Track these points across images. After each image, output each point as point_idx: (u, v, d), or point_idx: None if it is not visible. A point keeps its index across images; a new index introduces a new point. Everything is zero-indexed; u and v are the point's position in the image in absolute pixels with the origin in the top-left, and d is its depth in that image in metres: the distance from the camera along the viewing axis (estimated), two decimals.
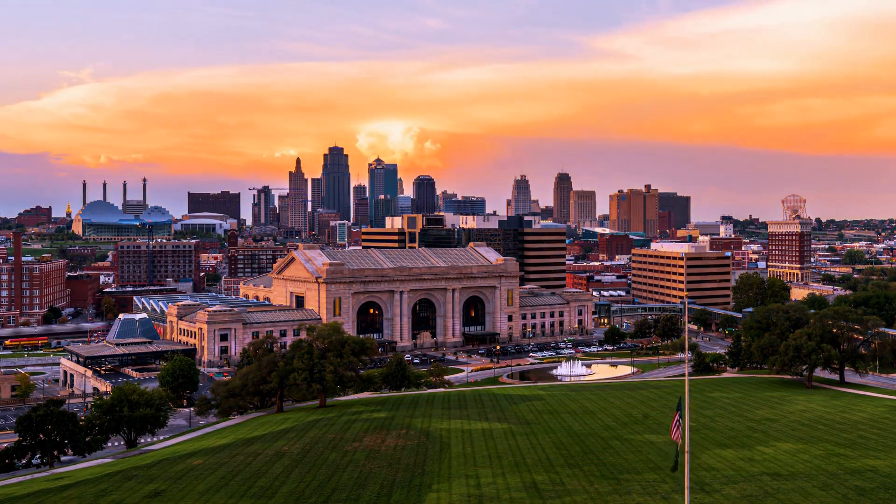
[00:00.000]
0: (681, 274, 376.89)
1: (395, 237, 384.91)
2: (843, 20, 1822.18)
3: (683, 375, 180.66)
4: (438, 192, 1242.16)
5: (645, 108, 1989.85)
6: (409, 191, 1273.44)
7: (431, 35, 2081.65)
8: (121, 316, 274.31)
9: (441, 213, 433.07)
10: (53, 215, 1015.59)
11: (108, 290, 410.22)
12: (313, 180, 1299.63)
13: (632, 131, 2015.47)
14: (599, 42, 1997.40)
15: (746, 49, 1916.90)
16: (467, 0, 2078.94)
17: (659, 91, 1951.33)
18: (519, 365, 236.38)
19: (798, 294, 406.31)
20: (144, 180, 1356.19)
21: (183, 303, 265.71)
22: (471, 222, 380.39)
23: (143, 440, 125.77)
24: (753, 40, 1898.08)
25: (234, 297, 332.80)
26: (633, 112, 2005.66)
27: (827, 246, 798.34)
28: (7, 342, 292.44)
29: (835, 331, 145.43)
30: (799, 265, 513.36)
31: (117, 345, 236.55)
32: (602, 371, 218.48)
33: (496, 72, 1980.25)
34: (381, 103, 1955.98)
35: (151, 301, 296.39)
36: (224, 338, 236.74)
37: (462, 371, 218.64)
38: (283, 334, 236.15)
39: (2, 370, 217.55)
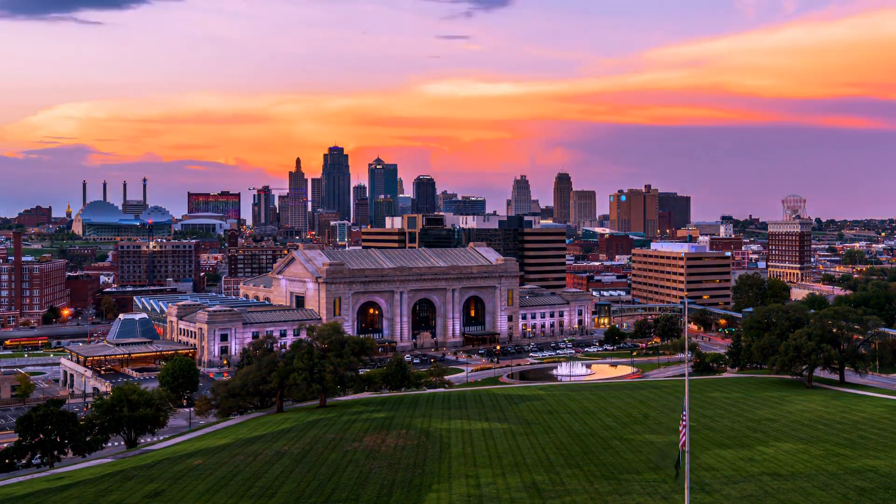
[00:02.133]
0: (681, 274, 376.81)
1: (395, 237, 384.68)
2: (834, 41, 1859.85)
3: (683, 375, 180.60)
4: (438, 192, 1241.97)
5: (643, 106, 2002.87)
6: (409, 191, 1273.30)
7: (464, 56, 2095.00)
8: (121, 316, 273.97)
9: (441, 213, 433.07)
10: (53, 215, 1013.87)
11: (108, 290, 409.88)
12: (313, 180, 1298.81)
13: (629, 119, 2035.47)
14: (601, 62, 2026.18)
15: (738, 68, 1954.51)
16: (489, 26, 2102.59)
17: (657, 92, 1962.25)
18: (519, 365, 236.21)
19: (798, 294, 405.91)
20: (144, 180, 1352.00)
21: (183, 303, 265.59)
22: (471, 222, 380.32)
23: (143, 440, 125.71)
24: (743, 62, 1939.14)
25: (234, 297, 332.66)
26: (631, 109, 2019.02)
27: (827, 246, 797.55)
28: (7, 342, 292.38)
29: (835, 331, 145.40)
30: (799, 265, 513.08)
31: (117, 345, 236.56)
32: (602, 371, 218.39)
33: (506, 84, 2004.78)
34: (396, 111, 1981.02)
35: (151, 301, 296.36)
36: (224, 338, 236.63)
37: (462, 371, 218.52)
38: (283, 334, 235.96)
39: (2, 370, 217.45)
